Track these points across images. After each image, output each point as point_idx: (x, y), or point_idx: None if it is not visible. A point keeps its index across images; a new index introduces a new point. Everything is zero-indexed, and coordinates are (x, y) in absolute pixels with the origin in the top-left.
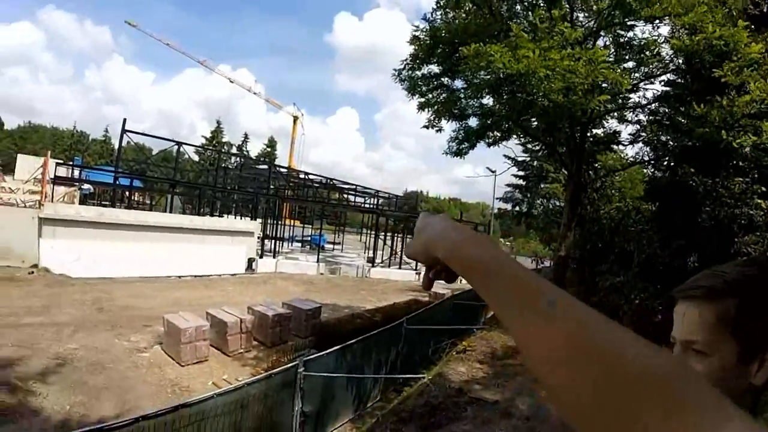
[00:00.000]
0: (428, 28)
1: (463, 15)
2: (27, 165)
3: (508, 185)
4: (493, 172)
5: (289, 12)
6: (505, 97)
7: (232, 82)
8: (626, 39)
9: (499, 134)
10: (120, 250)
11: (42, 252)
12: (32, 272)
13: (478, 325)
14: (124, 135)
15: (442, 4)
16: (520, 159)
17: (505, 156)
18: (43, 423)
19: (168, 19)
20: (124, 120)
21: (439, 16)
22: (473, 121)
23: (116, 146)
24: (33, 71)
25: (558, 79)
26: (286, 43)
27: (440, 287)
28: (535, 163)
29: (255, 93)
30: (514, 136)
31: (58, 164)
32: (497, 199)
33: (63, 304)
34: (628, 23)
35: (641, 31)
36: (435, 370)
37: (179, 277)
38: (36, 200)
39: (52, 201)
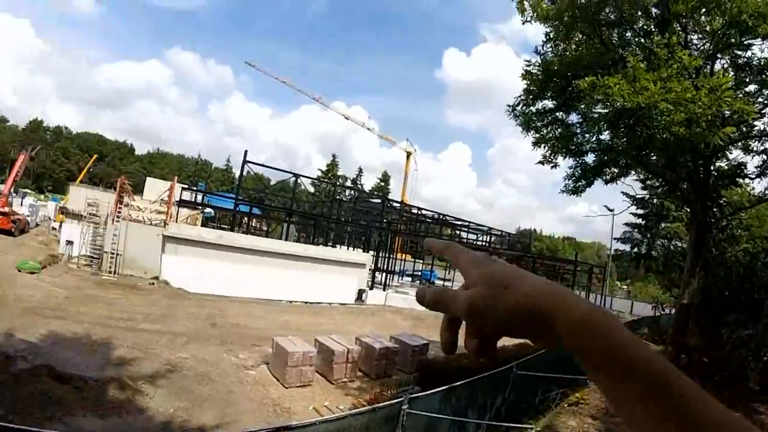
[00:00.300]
0: (540, 61)
1: (573, 46)
2: (155, 187)
3: (626, 224)
4: (610, 210)
5: (400, 50)
6: (623, 131)
7: (347, 118)
8: (744, 60)
9: (616, 170)
10: (236, 272)
11: (163, 266)
12: (153, 283)
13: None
14: (245, 165)
15: (551, 36)
16: (639, 196)
17: (623, 193)
18: (147, 421)
19: (286, 58)
20: (245, 152)
21: (550, 49)
22: (590, 158)
23: (237, 175)
24: (161, 104)
25: (680, 111)
26: (398, 80)
27: None
28: (655, 200)
29: (368, 129)
30: (633, 172)
31: (183, 188)
32: (615, 239)
33: (179, 315)
34: (745, 42)
35: (760, 49)
36: (543, 421)
37: (290, 301)
38: (162, 219)
39: (176, 221)
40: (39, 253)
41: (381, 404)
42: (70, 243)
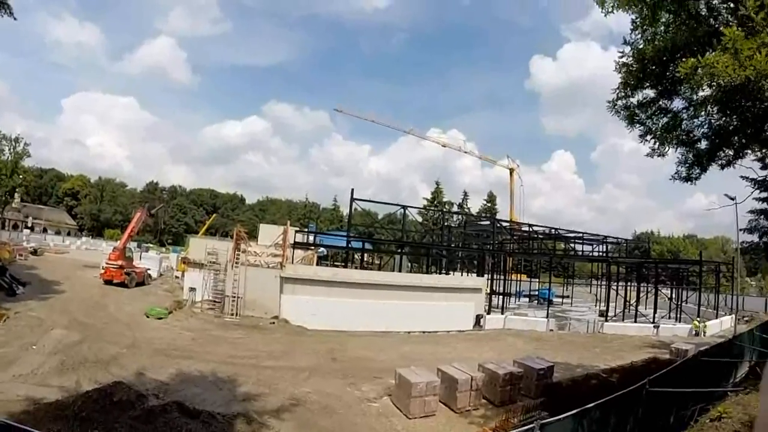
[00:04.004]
0: (632, 51)
1: (662, 28)
2: (268, 232)
3: (751, 212)
4: (732, 199)
5: (485, 68)
6: (734, 108)
7: (444, 146)
8: None
9: (732, 153)
10: (352, 306)
11: (282, 305)
12: (273, 322)
13: (730, 387)
14: (353, 203)
15: (637, 22)
16: (760, 178)
17: (743, 177)
18: None
19: (376, 94)
20: (352, 190)
21: (639, 36)
22: (702, 144)
23: (344, 213)
24: (266, 154)
25: None
26: (488, 98)
27: (682, 341)
28: None
29: (466, 152)
30: (750, 152)
31: (296, 231)
32: (740, 230)
33: (299, 351)
34: None
35: None
36: None
37: (408, 332)
38: (278, 262)
39: (292, 262)
40: (165, 300)
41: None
42: (193, 289)
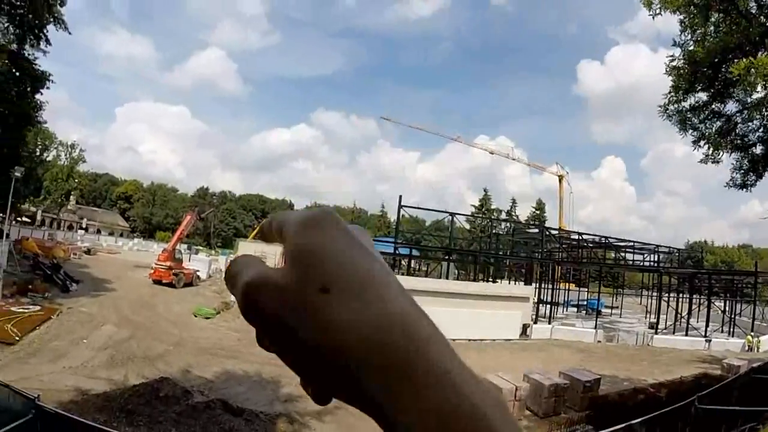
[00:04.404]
0: (682, 53)
1: (712, 28)
2: None
3: None
4: None
5: (532, 75)
6: None
7: (491, 153)
8: None
9: None
10: None
11: None
12: None
13: None
14: (401, 209)
15: (686, 23)
16: None
17: None
18: None
19: (423, 102)
20: (400, 197)
21: (689, 37)
22: (758, 149)
23: (392, 219)
24: (314, 161)
25: None
26: (537, 105)
27: (735, 357)
28: None
29: (514, 159)
30: None
31: None
32: None
33: None
34: None
35: None
36: None
37: (453, 340)
38: None
39: None
40: (213, 301)
41: None
42: None
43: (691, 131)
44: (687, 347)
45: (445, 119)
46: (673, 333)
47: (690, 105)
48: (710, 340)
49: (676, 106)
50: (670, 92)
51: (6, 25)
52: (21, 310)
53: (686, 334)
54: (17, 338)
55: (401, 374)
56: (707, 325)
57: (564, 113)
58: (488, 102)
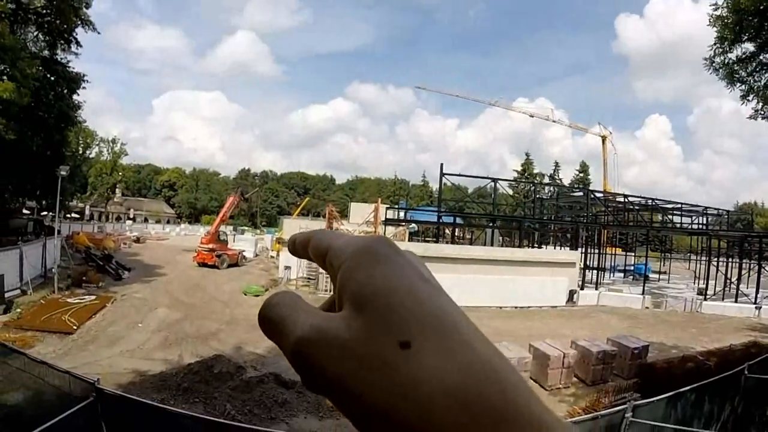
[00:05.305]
0: (725, 2)
1: None
2: (359, 211)
3: None
4: None
5: (570, 33)
6: None
7: (531, 116)
8: None
9: None
10: (444, 281)
11: None
12: None
13: None
14: (443, 177)
15: None
16: None
17: None
18: None
19: (460, 67)
20: (441, 165)
21: None
22: None
23: (434, 188)
24: (353, 135)
25: None
26: (576, 64)
27: None
28: None
29: (555, 121)
30: None
31: (387, 208)
32: None
33: None
34: None
35: None
36: None
37: (500, 307)
38: None
39: None
40: (261, 279)
41: (603, 412)
42: (288, 268)
43: (738, 85)
44: (736, 314)
45: (482, 84)
46: (723, 299)
47: (737, 57)
48: (760, 307)
49: (722, 58)
50: (715, 44)
51: (35, 33)
52: (77, 301)
53: (736, 301)
54: (75, 327)
55: (496, 424)
56: (757, 291)
57: (604, 71)
58: (525, 64)
